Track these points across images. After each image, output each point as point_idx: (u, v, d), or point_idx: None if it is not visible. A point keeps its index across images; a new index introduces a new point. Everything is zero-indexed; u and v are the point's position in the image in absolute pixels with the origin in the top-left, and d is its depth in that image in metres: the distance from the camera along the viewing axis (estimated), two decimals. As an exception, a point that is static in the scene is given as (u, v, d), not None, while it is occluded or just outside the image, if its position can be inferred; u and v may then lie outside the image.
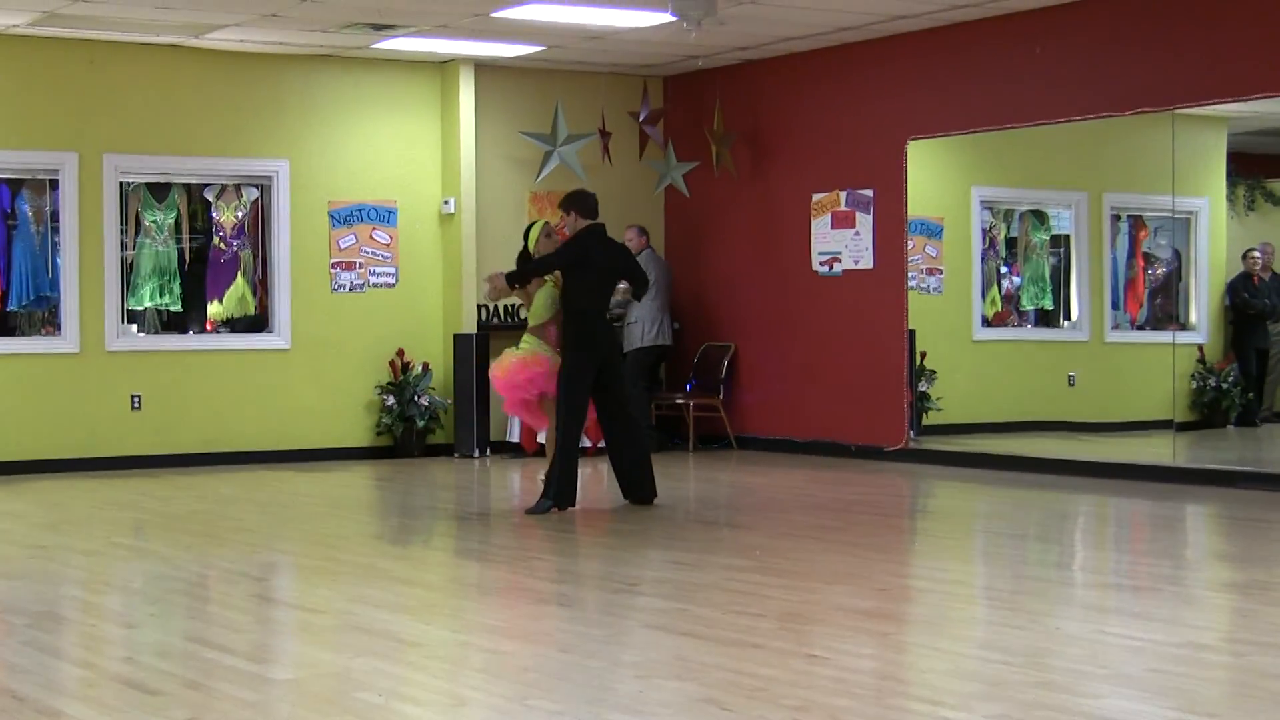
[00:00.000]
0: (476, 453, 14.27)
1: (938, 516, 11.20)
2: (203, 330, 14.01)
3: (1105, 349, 13.70)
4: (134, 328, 13.72)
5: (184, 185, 13.87)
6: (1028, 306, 13.96)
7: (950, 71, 13.07)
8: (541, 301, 10.57)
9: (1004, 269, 14.02)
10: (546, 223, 10.71)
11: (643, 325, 14.45)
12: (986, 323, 13.97)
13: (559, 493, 10.26)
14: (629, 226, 14.49)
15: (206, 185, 13.97)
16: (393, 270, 14.50)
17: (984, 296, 13.93)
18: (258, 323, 14.15)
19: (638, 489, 10.62)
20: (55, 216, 13.29)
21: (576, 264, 10.33)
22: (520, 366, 10.54)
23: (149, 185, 13.73)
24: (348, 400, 14.29)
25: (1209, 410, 13.16)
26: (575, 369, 10.28)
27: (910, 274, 13.53)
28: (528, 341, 10.61)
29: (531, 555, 9.08)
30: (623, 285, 10.97)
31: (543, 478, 10.64)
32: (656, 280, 14.16)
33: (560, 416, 10.28)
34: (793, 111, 14.42)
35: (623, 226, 14.46)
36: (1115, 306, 13.60)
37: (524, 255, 10.72)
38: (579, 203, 10.54)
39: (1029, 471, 12.37)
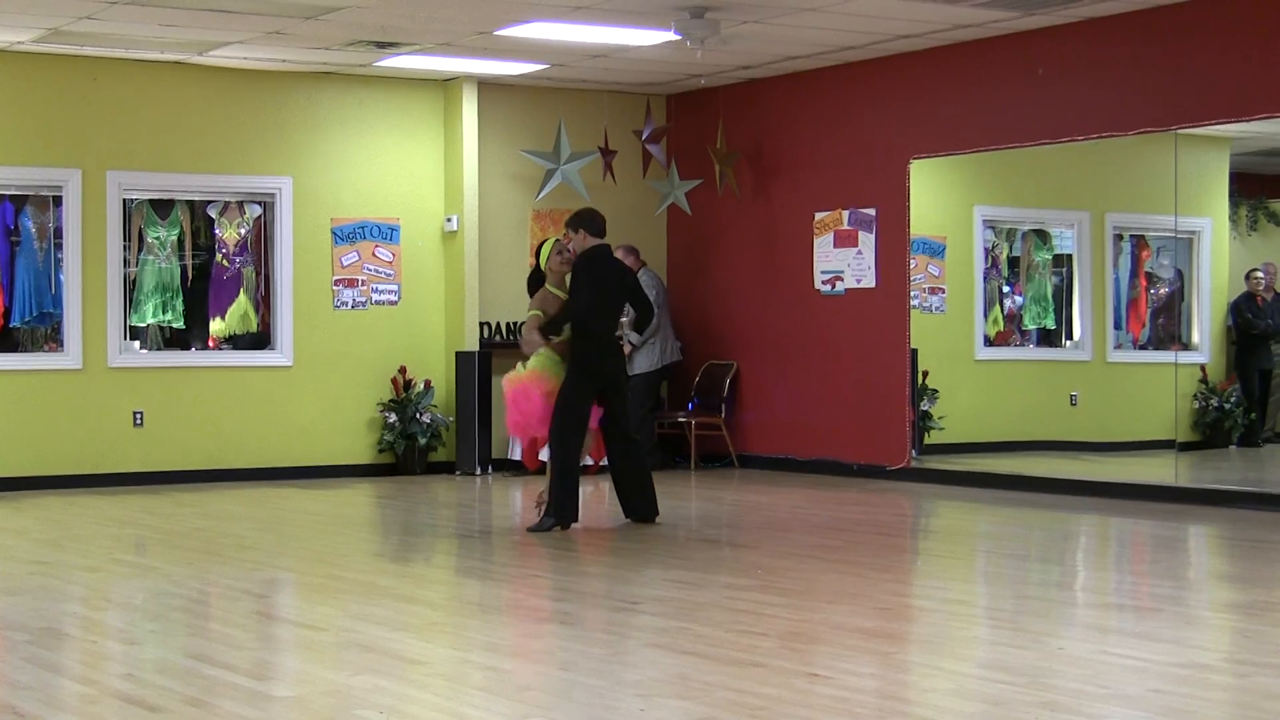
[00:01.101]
0: (478, 470, 14.26)
1: (940, 536, 11.19)
2: (205, 347, 14.02)
3: (1107, 369, 13.70)
4: (136, 344, 13.72)
5: (187, 202, 13.89)
6: (1030, 326, 13.96)
7: (953, 91, 13.09)
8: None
9: (1006, 288, 14.02)
10: (558, 240, 10.68)
11: (660, 346, 14.46)
12: (989, 342, 13.96)
13: (560, 510, 10.25)
14: (619, 246, 14.39)
15: (210, 202, 13.99)
16: (395, 287, 14.51)
17: (986, 316, 13.93)
18: (260, 340, 14.15)
19: (639, 508, 10.61)
20: (58, 233, 13.30)
21: (588, 287, 10.30)
22: (532, 384, 10.42)
23: (152, 202, 13.75)
24: (350, 417, 14.29)
25: (1211, 430, 13.16)
26: (576, 388, 10.26)
27: (913, 293, 13.52)
28: (541, 354, 10.47)
29: (533, 573, 9.07)
30: (625, 319, 10.92)
31: (538, 500, 10.59)
32: (656, 300, 14.17)
33: (556, 434, 10.25)
34: (796, 130, 14.44)
35: (627, 244, 14.47)
36: (1118, 326, 13.61)
37: (536, 274, 10.71)
38: (588, 222, 10.50)
39: (1031, 491, 12.35)
